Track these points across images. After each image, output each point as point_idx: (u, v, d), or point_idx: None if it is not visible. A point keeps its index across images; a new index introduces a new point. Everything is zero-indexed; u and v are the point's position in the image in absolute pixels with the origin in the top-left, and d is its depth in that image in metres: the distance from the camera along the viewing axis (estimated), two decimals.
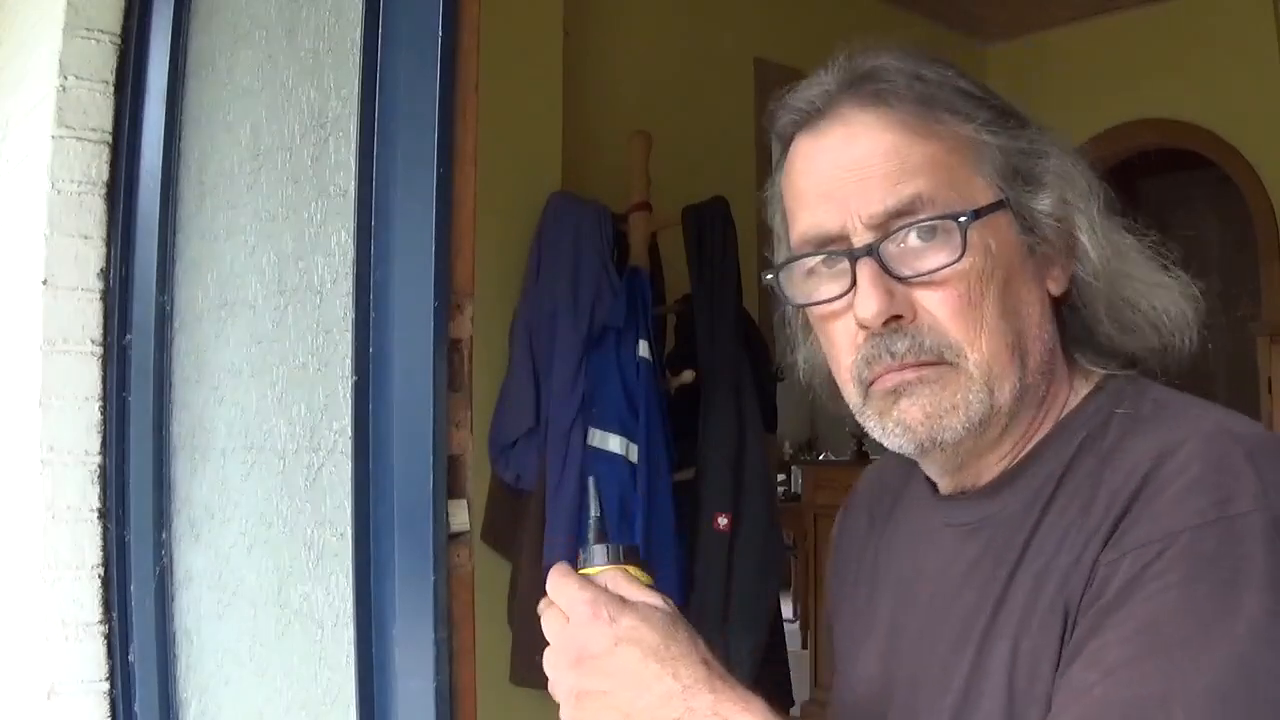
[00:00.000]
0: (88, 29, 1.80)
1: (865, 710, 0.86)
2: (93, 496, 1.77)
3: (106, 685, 1.74)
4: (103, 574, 1.76)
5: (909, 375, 0.76)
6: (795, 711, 3.02)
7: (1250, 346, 3.61)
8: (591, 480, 0.83)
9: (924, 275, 0.75)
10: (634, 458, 2.31)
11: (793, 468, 7.04)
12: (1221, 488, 0.69)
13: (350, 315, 1.22)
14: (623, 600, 0.77)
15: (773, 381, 2.70)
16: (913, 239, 0.75)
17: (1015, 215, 0.77)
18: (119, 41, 1.83)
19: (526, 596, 2.33)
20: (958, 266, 0.74)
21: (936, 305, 0.76)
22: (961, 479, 0.83)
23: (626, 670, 0.75)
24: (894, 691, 0.83)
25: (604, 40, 3.02)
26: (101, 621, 1.75)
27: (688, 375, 2.45)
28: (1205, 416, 0.76)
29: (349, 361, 1.22)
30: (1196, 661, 0.64)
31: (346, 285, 1.24)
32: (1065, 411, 0.80)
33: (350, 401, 1.20)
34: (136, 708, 1.70)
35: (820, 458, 7.66)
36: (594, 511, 0.81)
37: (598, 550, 0.81)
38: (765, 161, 3.76)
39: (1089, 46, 4.11)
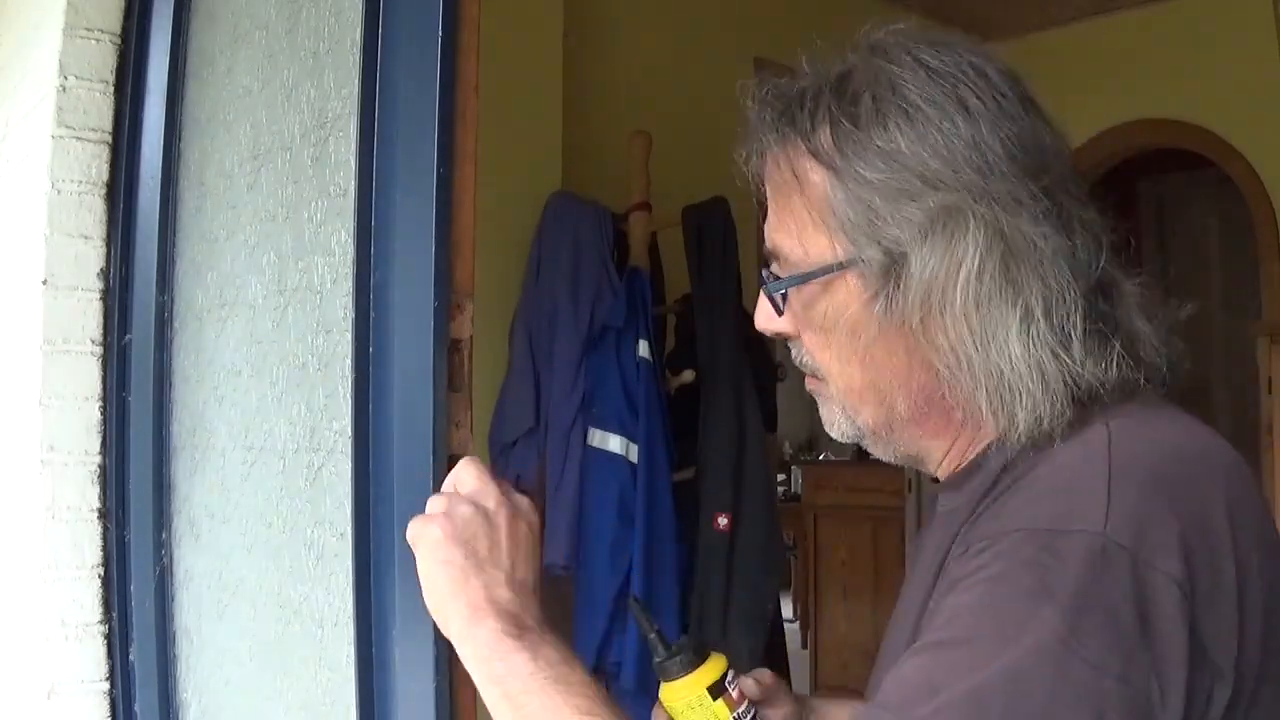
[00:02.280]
0: (88, 29, 1.80)
1: (871, 681, 0.91)
2: (93, 496, 1.77)
3: (106, 685, 1.74)
4: (103, 574, 1.76)
5: (808, 384, 0.86)
6: None
7: (1250, 346, 3.60)
8: (633, 600, 0.89)
9: None
10: (634, 458, 2.31)
11: (793, 468, 7.05)
12: (1068, 503, 0.68)
13: (350, 315, 1.22)
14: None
15: (773, 381, 2.70)
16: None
17: (867, 277, 0.76)
18: (119, 41, 1.83)
19: None
20: (784, 321, 0.83)
21: (803, 336, 0.83)
22: (931, 472, 0.87)
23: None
24: (879, 662, 0.89)
25: (604, 40, 3.02)
26: (101, 621, 1.75)
27: (688, 375, 2.45)
28: (1120, 431, 0.73)
29: (349, 361, 1.22)
30: (973, 660, 0.65)
31: (346, 285, 1.24)
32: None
33: (350, 401, 1.20)
34: (136, 708, 1.70)
35: (820, 458, 7.67)
36: (650, 631, 0.86)
37: (675, 664, 0.86)
38: None
39: (1089, 46, 4.11)
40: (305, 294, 1.40)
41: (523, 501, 0.90)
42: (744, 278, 2.59)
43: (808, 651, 4.93)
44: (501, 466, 2.40)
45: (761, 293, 0.84)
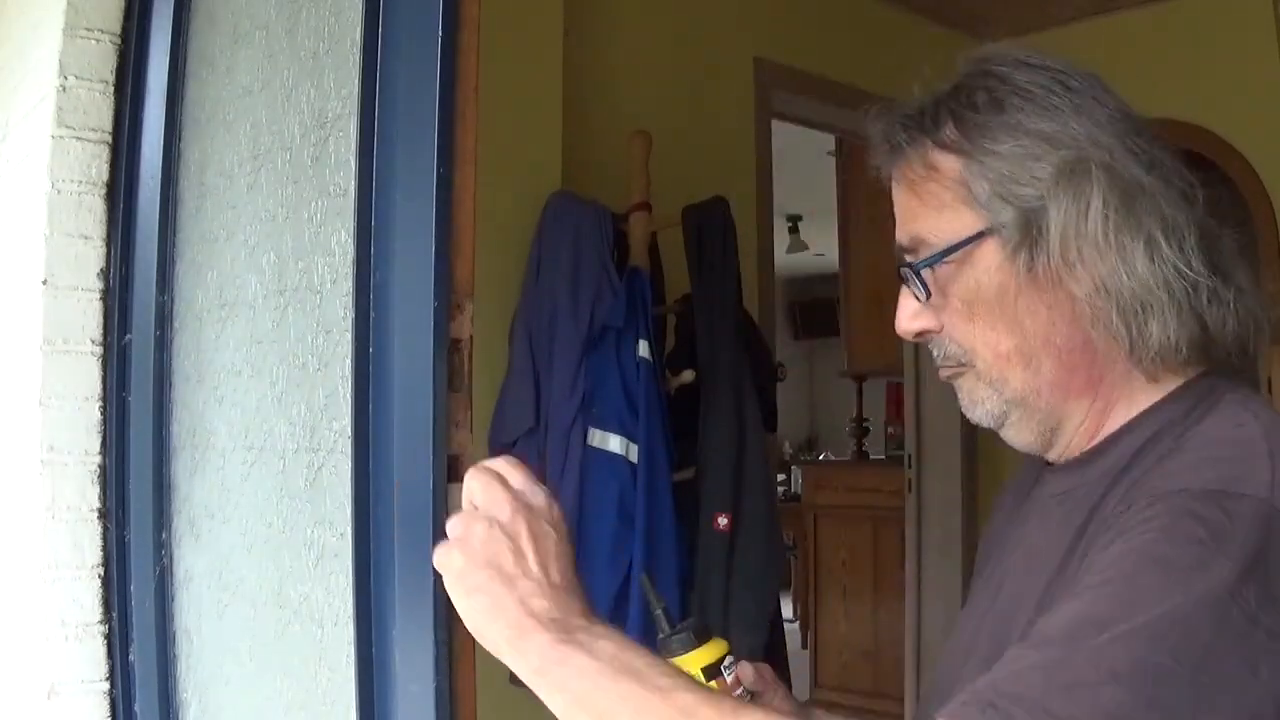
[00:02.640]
0: (88, 29, 1.80)
1: (955, 657, 0.92)
2: (93, 496, 1.77)
3: (106, 685, 1.74)
4: (103, 574, 1.76)
5: (946, 373, 0.90)
6: None
7: None
8: (643, 576, 0.90)
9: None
10: (634, 458, 2.30)
11: (793, 468, 7.05)
12: (1234, 469, 0.73)
13: (350, 315, 1.22)
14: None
15: (773, 381, 2.70)
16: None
17: (1006, 240, 0.83)
18: (119, 41, 1.83)
19: None
20: (926, 314, 0.88)
21: (945, 322, 0.88)
22: (1057, 454, 0.90)
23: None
24: (981, 638, 0.89)
25: (604, 40, 3.02)
26: (101, 621, 1.75)
27: (688, 375, 2.45)
28: (1259, 415, 0.78)
29: (349, 361, 1.22)
30: (1144, 598, 0.68)
31: (346, 285, 1.24)
32: (1148, 402, 0.84)
33: (350, 401, 1.21)
34: (136, 708, 1.70)
35: (820, 458, 7.67)
36: (656, 607, 0.86)
37: (676, 641, 0.88)
38: (765, 161, 3.76)
39: (1089, 46, 4.10)
40: (305, 294, 1.40)
41: (538, 497, 0.88)
42: (744, 278, 2.59)
43: (808, 651, 4.93)
44: None
45: (902, 294, 0.89)
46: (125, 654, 1.72)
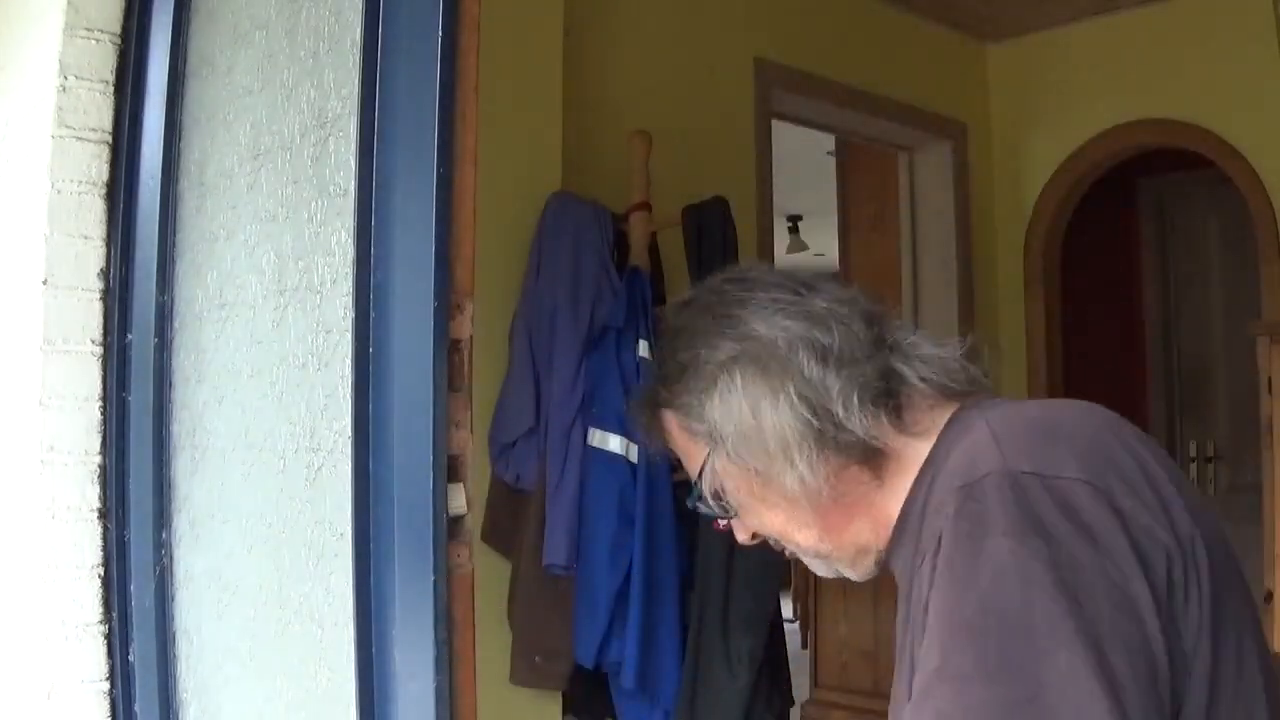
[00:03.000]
0: (88, 29, 1.80)
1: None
2: (93, 496, 1.77)
3: (106, 685, 1.74)
4: (103, 574, 1.76)
5: (788, 551, 1.03)
6: (795, 711, 3.02)
7: (1250, 346, 3.60)
8: None
9: None
10: (634, 458, 2.30)
11: None
12: (970, 462, 0.83)
13: (350, 315, 1.22)
14: None
15: None
16: None
17: (715, 450, 0.97)
18: (119, 41, 1.83)
19: (526, 596, 2.33)
20: (733, 518, 1.02)
21: (751, 524, 1.02)
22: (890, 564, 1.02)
23: None
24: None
25: (604, 40, 3.02)
26: (101, 621, 1.75)
27: None
28: (981, 419, 0.88)
29: (349, 361, 1.22)
30: (954, 604, 0.76)
31: (346, 285, 1.24)
32: (919, 461, 0.95)
33: (350, 401, 1.21)
34: (136, 708, 1.70)
35: None
36: None
37: None
38: (765, 161, 3.75)
39: (1089, 46, 4.11)
40: (305, 294, 1.40)
41: None
42: None
43: (808, 651, 4.92)
44: (501, 467, 2.40)
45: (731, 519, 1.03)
46: (125, 654, 1.72)
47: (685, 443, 1.00)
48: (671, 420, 1.00)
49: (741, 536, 1.04)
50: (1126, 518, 0.77)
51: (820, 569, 1.03)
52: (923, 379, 0.95)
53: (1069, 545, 0.75)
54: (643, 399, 1.04)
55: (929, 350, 0.97)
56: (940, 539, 0.80)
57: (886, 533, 0.97)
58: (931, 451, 0.93)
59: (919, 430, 0.94)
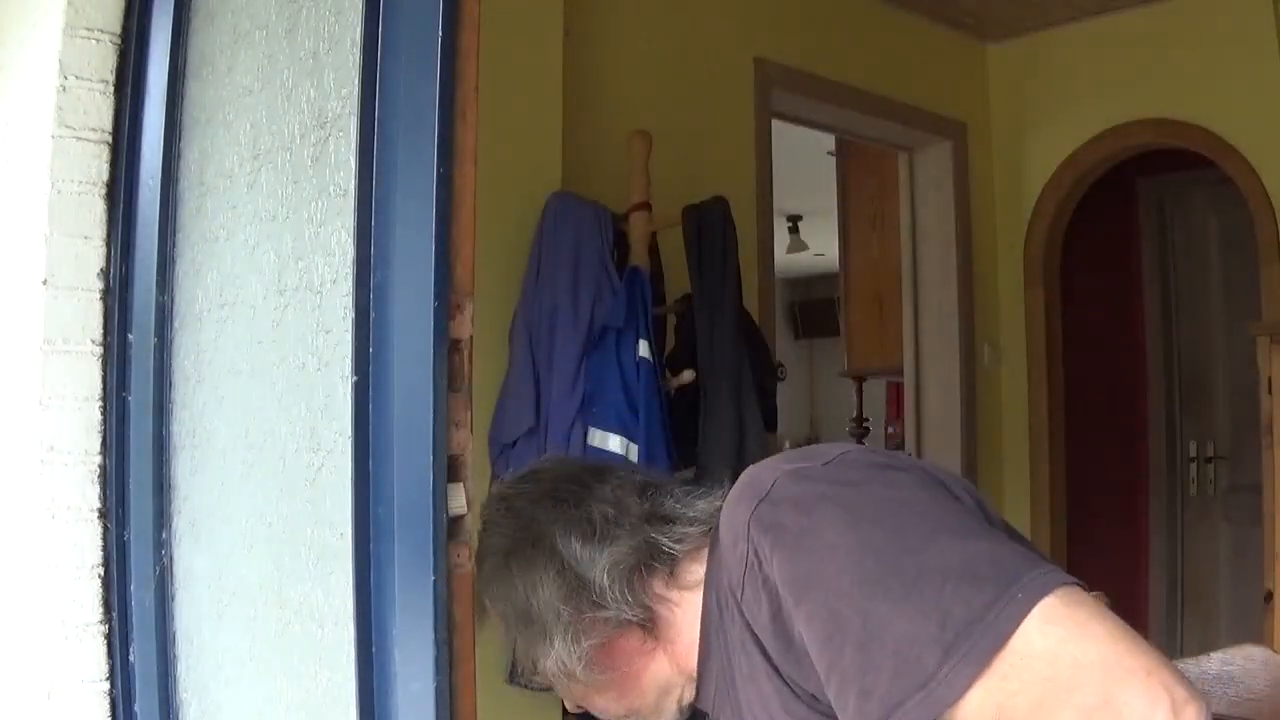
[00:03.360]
0: (88, 29, 1.80)
1: None
2: (93, 496, 1.76)
3: (106, 685, 1.74)
4: (103, 574, 1.76)
5: None
6: None
7: (1250, 346, 3.60)
8: None
9: None
10: (634, 458, 2.31)
11: None
12: (743, 500, 0.89)
13: (350, 315, 1.22)
14: None
15: (773, 381, 2.70)
16: None
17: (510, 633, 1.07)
18: (119, 41, 1.82)
19: None
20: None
21: None
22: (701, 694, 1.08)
23: None
24: None
25: (604, 40, 3.02)
26: (101, 621, 1.75)
27: (688, 375, 2.45)
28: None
29: (349, 361, 1.22)
30: (829, 573, 0.80)
31: (346, 285, 1.24)
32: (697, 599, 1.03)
33: (350, 401, 1.20)
34: (136, 708, 1.70)
35: None
36: None
37: None
38: (765, 161, 3.75)
39: (1089, 46, 4.11)
40: (305, 294, 1.40)
41: None
42: (744, 278, 2.59)
43: None
44: (501, 467, 2.40)
45: None
46: (125, 654, 1.72)
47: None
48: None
49: (569, 707, 1.11)
50: (899, 463, 0.88)
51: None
52: (678, 541, 1.02)
53: (870, 480, 0.84)
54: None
55: (701, 505, 1.05)
56: (759, 559, 0.85)
57: (686, 660, 1.03)
58: (705, 574, 1.00)
59: (692, 581, 1.02)
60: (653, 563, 1.01)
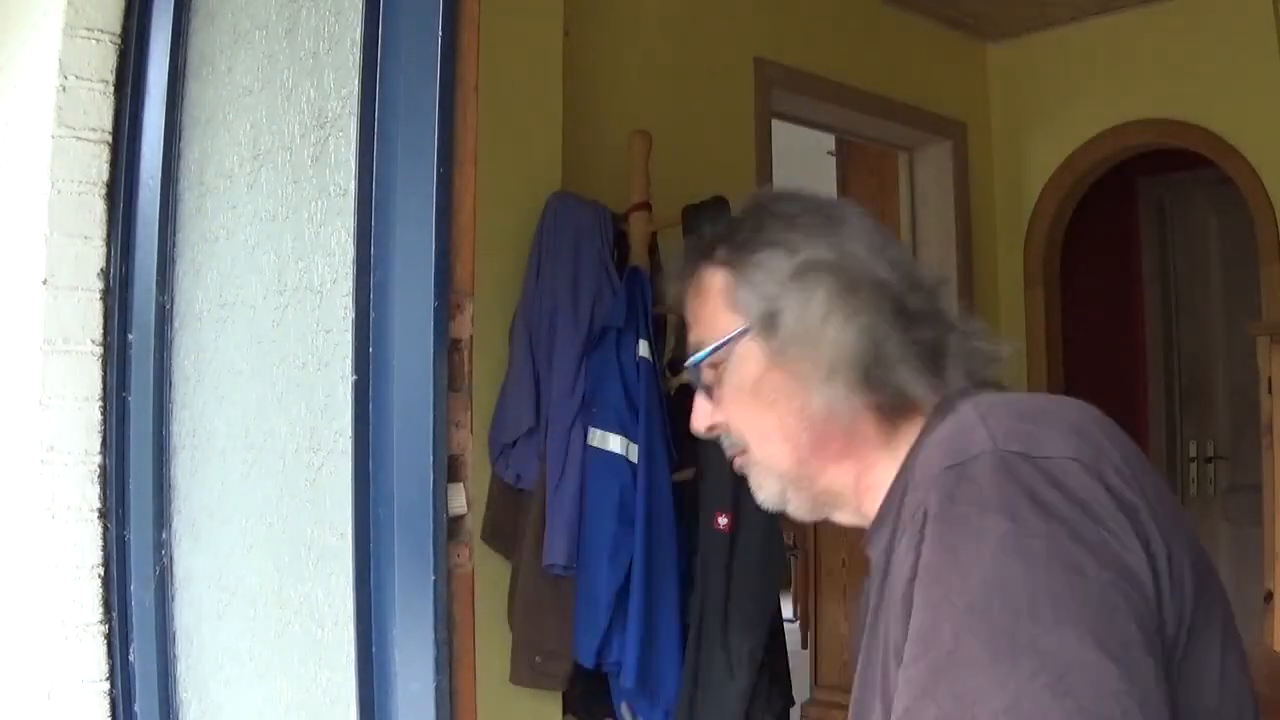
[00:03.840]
0: (88, 29, 1.80)
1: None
2: (93, 496, 1.77)
3: (106, 685, 1.74)
4: (103, 574, 1.76)
5: (737, 461, 1.03)
6: (795, 712, 3.02)
7: (1250, 346, 3.60)
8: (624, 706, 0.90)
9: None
10: (634, 458, 2.30)
11: None
12: (957, 442, 0.83)
13: (350, 315, 1.22)
14: None
15: None
16: None
17: (756, 333, 0.96)
18: (119, 41, 1.82)
19: (526, 596, 2.33)
20: (714, 410, 1.01)
21: (727, 414, 1.01)
22: (848, 517, 1.02)
23: None
24: (851, 708, 0.97)
25: (604, 40, 3.01)
26: (101, 621, 1.75)
27: (688, 375, 2.45)
28: (967, 402, 0.88)
29: (349, 361, 1.22)
30: (954, 589, 0.76)
31: (346, 285, 1.24)
32: (908, 446, 0.94)
33: (350, 401, 1.20)
34: (136, 708, 1.70)
35: None
36: None
37: None
38: (765, 161, 3.74)
39: (1089, 46, 4.11)
40: (305, 294, 1.40)
41: None
42: None
43: (808, 651, 4.92)
44: (501, 467, 2.40)
45: (697, 397, 1.02)
46: (125, 654, 1.72)
47: (717, 309, 0.99)
48: (718, 280, 0.98)
49: (701, 423, 1.03)
50: (1118, 494, 0.78)
51: (766, 487, 1.02)
52: (965, 369, 0.95)
53: (1065, 520, 0.75)
54: (696, 248, 1.02)
55: (976, 344, 0.98)
56: (925, 519, 0.80)
57: (862, 496, 0.98)
58: (920, 432, 0.93)
59: (928, 407, 0.95)
60: (934, 366, 0.93)
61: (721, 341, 0.98)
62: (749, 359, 0.97)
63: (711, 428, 1.02)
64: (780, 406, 0.96)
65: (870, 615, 0.94)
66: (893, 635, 0.84)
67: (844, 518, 1.02)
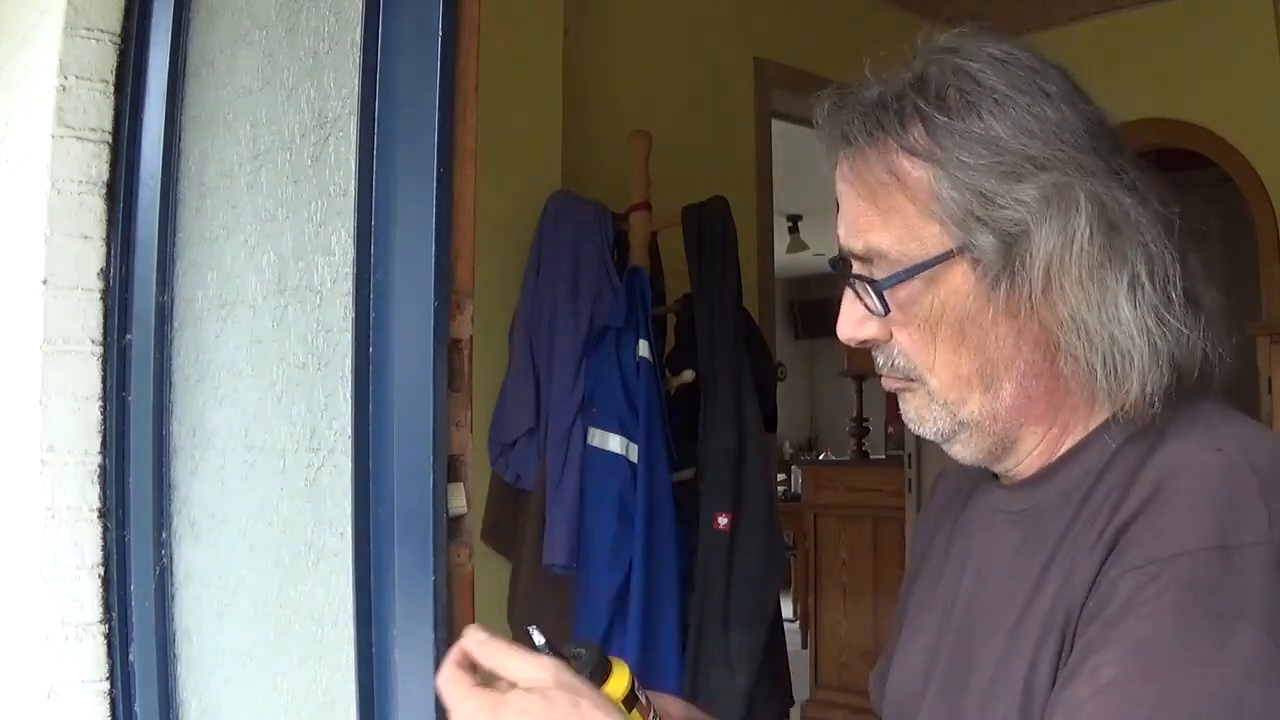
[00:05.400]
0: (88, 29, 1.80)
1: (914, 676, 0.88)
2: (93, 496, 1.77)
3: (106, 685, 1.74)
4: (103, 574, 1.76)
5: (891, 384, 0.84)
6: (795, 711, 3.02)
7: (1250, 346, 3.60)
8: (531, 629, 0.77)
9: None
10: (634, 458, 2.30)
11: (793, 467, 7.06)
12: (1229, 514, 0.68)
13: (350, 315, 1.22)
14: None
15: (773, 381, 2.70)
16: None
17: (981, 263, 0.76)
18: (119, 41, 1.82)
19: (526, 596, 2.33)
20: (876, 325, 0.80)
21: (898, 337, 0.81)
22: (1005, 469, 0.85)
23: None
24: (940, 661, 0.85)
25: (604, 40, 3.02)
26: (101, 621, 1.75)
27: (688, 375, 2.45)
28: (1234, 436, 0.73)
29: (349, 361, 1.22)
30: (1183, 690, 0.64)
31: (346, 285, 1.24)
32: (1101, 418, 0.79)
33: (350, 401, 1.20)
34: (136, 708, 1.70)
35: (820, 458, 7.67)
36: (545, 652, 0.77)
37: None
38: (765, 161, 3.75)
39: (1089, 46, 4.11)
40: (305, 294, 1.40)
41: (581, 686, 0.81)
42: (744, 278, 2.59)
43: (808, 651, 4.92)
44: (501, 467, 2.41)
45: (846, 299, 0.81)
46: (125, 654, 1.72)
47: (911, 212, 0.77)
48: (918, 175, 0.76)
49: (856, 331, 0.81)
50: None
51: (934, 423, 0.83)
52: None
53: None
54: (877, 108, 0.79)
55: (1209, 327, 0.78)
56: (1168, 578, 0.67)
57: (1039, 458, 0.81)
58: (1118, 415, 0.77)
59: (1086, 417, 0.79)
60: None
61: (924, 261, 0.76)
62: (961, 290, 0.77)
63: (867, 341, 0.82)
64: (989, 354, 0.78)
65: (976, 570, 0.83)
66: (1029, 636, 0.74)
67: (1000, 467, 0.85)
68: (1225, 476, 0.70)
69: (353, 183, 1.23)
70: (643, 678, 0.81)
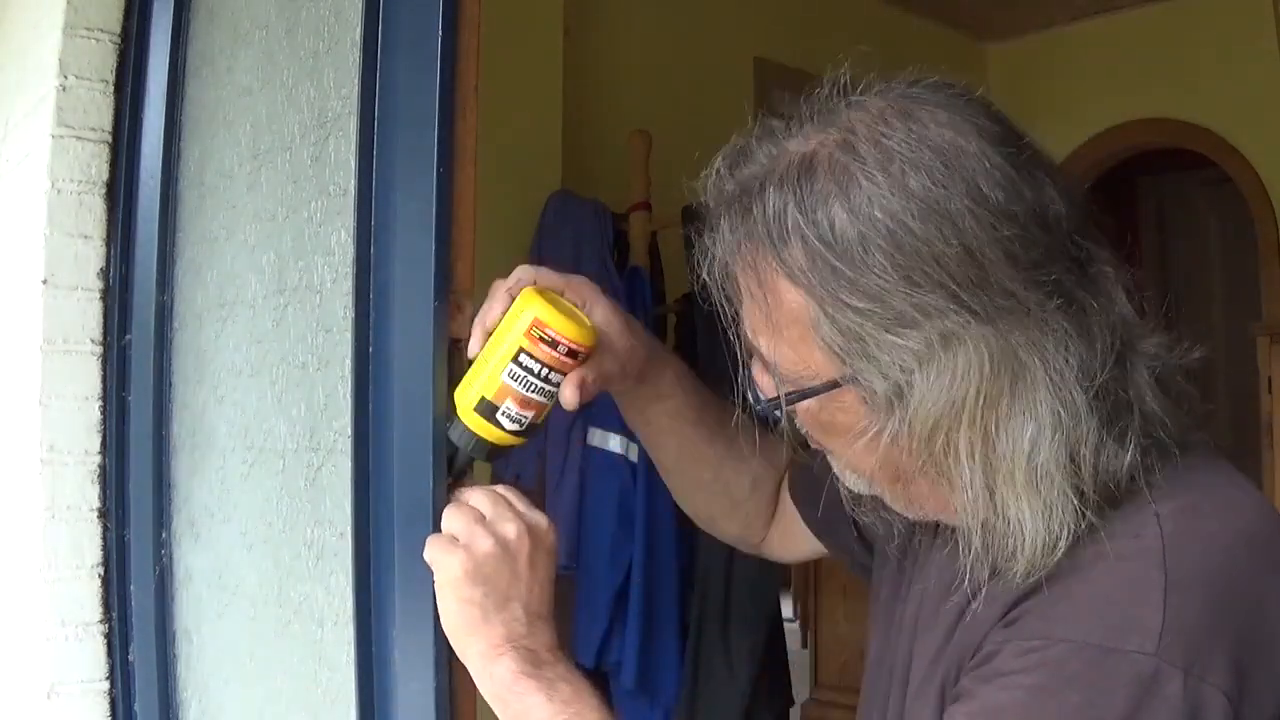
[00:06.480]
0: (88, 29, 1.80)
1: (878, 672, 0.91)
2: (93, 496, 1.76)
3: (106, 685, 1.74)
4: (103, 574, 1.76)
5: (812, 444, 0.84)
6: (795, 711, 3.02)
7: (1250, 346, 3.60)
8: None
9: None
10: (634, 457, 2.31)
11: None
12: (1122, 616, 0.66)
13: (350, 315, 1.22)
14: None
15: None
16: None
17: (866, 396, 0.71)
18: (119, 41, 1.82)
19: None
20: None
21: (803, 418, 0.81)
22: None
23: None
24: (879, 673, 0.90)
25: (604, 40, 3.02)
26: (101, 621, 1.75)
27: None
28: (1173, 515, 0.70)
29: (349, 361, 1.22)
30: None
31: (346, 285, 1.24)
32: None
33: (350, 401, 1.20)
34: (136, 708, 1.70)
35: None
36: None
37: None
38: None
39: (1089, 46, 4.11)
40: (305, 294, 1.40)
41: (540, 522, 0.93)
42: None
43: (808, 651, 4.92)
44: (501, 467, 2.40)
45: (755, 366, 0.80)
46: (125, 654, 1.72)
47: (795, 336, 0.72)
48: (798, 304, 0.70)
49: (759, 399, 0.80)
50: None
51: (853, 484, 0.82)
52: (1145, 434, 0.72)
53: None
54: (744, 222, 0.76)
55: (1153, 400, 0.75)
56: (1040, 657, 0.67)
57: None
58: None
59: None
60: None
61: (813, 388, 0.74)
62: (853, 410, 0.74)
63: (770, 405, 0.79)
64: (892, 458, 0.74)
65: (899, 605, 0.87)
66: (917, 661, 0.79)
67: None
68: (1134, 573, 0.67)
69: (353, 182, 1.23)
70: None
